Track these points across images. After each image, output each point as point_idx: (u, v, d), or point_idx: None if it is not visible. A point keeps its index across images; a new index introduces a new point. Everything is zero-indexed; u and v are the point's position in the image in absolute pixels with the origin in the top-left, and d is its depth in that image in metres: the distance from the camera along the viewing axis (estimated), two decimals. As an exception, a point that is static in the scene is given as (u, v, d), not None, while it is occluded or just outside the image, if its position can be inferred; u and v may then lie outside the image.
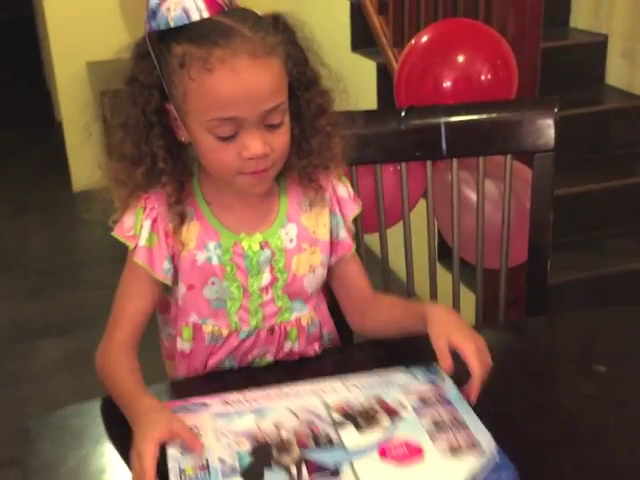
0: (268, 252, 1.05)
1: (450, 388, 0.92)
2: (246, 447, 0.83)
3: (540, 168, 1.31)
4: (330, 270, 1.12)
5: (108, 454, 0.91)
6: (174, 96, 0.96)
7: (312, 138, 1.03)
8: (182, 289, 1.05)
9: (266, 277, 1.05)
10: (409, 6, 2.43)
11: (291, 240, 1.06)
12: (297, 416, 0.88)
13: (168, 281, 1.04)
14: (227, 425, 0.87)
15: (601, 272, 2.34)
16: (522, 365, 1.06)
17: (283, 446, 0.83)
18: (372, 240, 1.46)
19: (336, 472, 0.79)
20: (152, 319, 1.09)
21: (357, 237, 1.24)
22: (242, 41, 0.91)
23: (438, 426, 0.86)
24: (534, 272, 1.36)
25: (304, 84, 1.01)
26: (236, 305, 1.05)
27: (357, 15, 2.83)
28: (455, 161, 1.34)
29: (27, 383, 2.35)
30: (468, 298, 1.56)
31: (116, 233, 1.04)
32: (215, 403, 0.91)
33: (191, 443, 0.83)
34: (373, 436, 0.85)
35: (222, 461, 0.81)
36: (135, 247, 1.02)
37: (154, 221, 1.02)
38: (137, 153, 0.99)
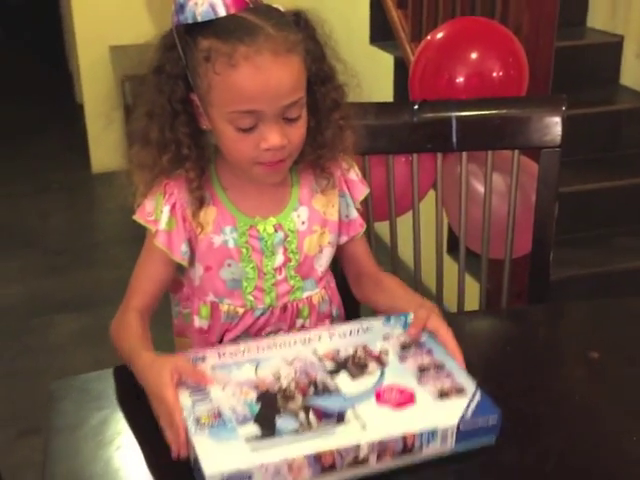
0: (281, 234, 1.10)
1: (426, 336, 0.99)
2: (252, 396, 0.88)
3: (546, 163, 1.36)
4: (340, 248, 1.18)
5: (126, 416, 0.97)
6: (198, 87, 1.00)
7: (326, 131, 1.08)
8: (200, 270, 1.11)
9: (279, 258, 1.11)
10: (428, 1, 2.47)
11: (303, 222, 1.12)
12: (292, 365, 0.94)
13: (185, 263, 1.10)
14: (228, 376, 0.92)
15: (607, 269, 2.38)
16: (520, 349, 1.11)
17: (286, 394, 0.89)
18: (381, 229, 1.52)
19: (341, 418, 0.85)
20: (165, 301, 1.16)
21: (367, 224, 1.30)
22: (265, 39, 0.95)
23: (422, 371, 0.93)
24: (537, 263, 1.41)
25: (321, 79, 1.05)
26: (251, 285, 1.11)
27: (377, 9, 2.87)
28: (465, 154, 1.39)
29: (44, 355, 2.42)
30: (473, 287, 1.62)
31: (137, 217, 1.10)
32: (211, 355, 0.96)
33: (200, 379, 0.89)
34: (366, 382, 0.91)
35: (233, 409, 0.86)
36: (156, 231, 1.08)
37: (173, 206, 1.07)
38: (162, 140, 1.03)
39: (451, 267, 1.58)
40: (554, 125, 1.34)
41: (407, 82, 1.79)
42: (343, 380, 0.92)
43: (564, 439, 0.92)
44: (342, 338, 0.99)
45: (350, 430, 0.84)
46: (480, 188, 1.49)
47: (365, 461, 0.83)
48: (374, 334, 1.00)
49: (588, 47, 2.87)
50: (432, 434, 0.85)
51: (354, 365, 0.94)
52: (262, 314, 1.13)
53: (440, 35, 1.68)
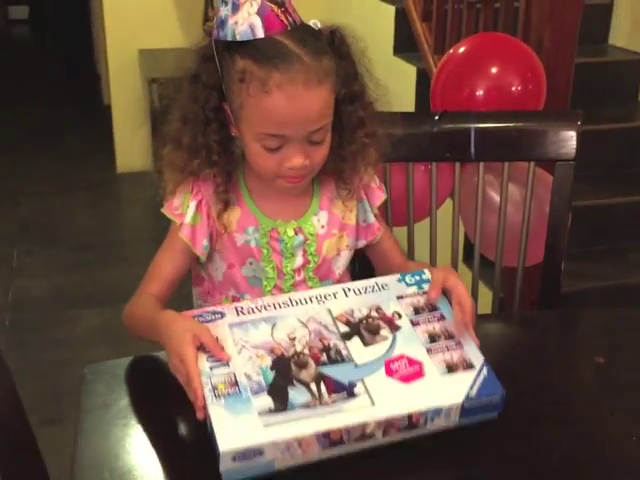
0: (301, 237, 1.16)
1: (440, 299, 1.02)
2: (267, 362, 0.92)
3: (561, 176, 1.41)
4: (368, 248, 1.24)
5: (154, 400, 1.03)
6: (231, 102, 1.06)
7: (349, 146, 1.12)
8: (222, 267, 1.17)
9: (299, 260, 1.16)
10: (452, 15, 2.52)
11: (322, 226, 1.17)
12: (307, 326, 0.97)
13: (204, 257, 1.16)
14: (245, 336, 0.95)
15: (621, 282, 2.41)
16: (529, 351, 1.16)
17: (300, 362, 0.93)
18: (398, 236, 1.56)
19: (351, 392, 0.90)
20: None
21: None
22: (300, 68, 0.99)
23: (433, 339, 0.97)
24: (549, 272, 1.45)
25: (350, 98, 1.10)
26: (271, 284, 1.16)
27: (401, 20, 2.92)
28: (482, 164, 1.44)
29: (68, 348, 2.49)
30: (486, 296, 1.66)
31: (165, 210, 1.16)
32: (229, 311, 0.98)
33: (218, 354, 0.91)
34: (377, 350, 0.95)
35: (248, 377, 0.90)
36: (181, 224, 1.14)
37: (199, 203, 1.13)
38: (194, 145, 1.09)
39: (465, 275, 1.62)
40: (569, 139, 1.39)
41: (429, 93, 1.84)
42: (355, 346, 0.96)
43: (568, 436, 0.96)
44: (357, 295, 1.02)
45: (359, 406, 0.89)
46: (496, 197, 1.53)
47: (372, 436, 0.88)
48: (388, 293, 1.03)
49: (609, 64, 2.90)
50: (437, 411, 0.90)
51: (367, 330, 0.98)
52: None
53: (462, 49, 1.74)
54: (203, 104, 1.07)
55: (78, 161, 4.12)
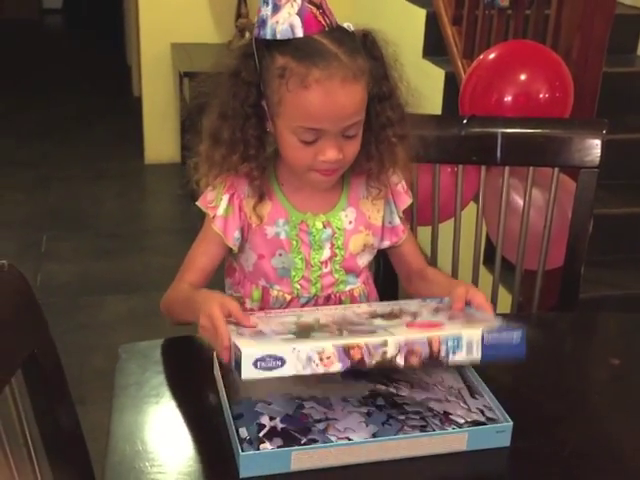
0: (329, 231, 1.20)
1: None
2: (292, 327, 0.97)
3: (584, 183, 1.44)
4: (389, 251, 1.28)
5: (184, 379, 1.09)
6: (269, 97, 1.10)
7: (377, 145, 1.16)
8: (253, 257, 1.21)
9: (326, 252, 1.20)
10: (482, 21, 2.54)
11: (350, 222, 1.21)
12: (332, 317, 1.02)
13: (235, 248, 1.20)
14: (272, 319, 1.01)
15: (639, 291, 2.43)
16: (545, 351, 1.19)
17: (323, 325, 0.98)
18: (421, 237, 1.60)
19: (372, 331, 0.94)
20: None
21: (411, 229, 1.40)
22: (337, 66, 1.04)
23: (452, 318, 1.01)
24: (568, 276, 1.49)
25: (379, 97, 1.13)
26: (299, 274, 1.21)
27: (432, 24, 2.94)
28: (507, 169, 1.47)
29: (93, 332, 2.55)
30: (506, 299, 1.70)
31: (199, 203, 1.21)
32: (258, 313, 1.06)
33: (244, 320, 0.97)
34: (400, 321, 1.00)
35: (274, 331, 0.95)
36: (214, 216, 1.18)
37: (232, 196, 1.18)
38: (233, 139, 1.13)
39: (486, 278, 1.65)
40: (594, 147, 1.42)
41: (456, 97, 1.87)
42: (379, 321, 1.00)
43: (580, 432, 1.00)
44: (380, 307, 1.08)
45: (379, 335, 0.93)
46: (520, 201, 1.56)
47: (393, 363, 0.90)
48: (410, 305, 1.08)
49: (637, 75, 2.91)
50: (457, 341, 0.91)
51: (389, 315, 1.02)
52: (307, 302, 1.22)
53: (492, 56, 1.77)
54: (242, 100, 1.10)
55: (107, 150, 4.18)
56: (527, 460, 0.96)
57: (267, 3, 1.06)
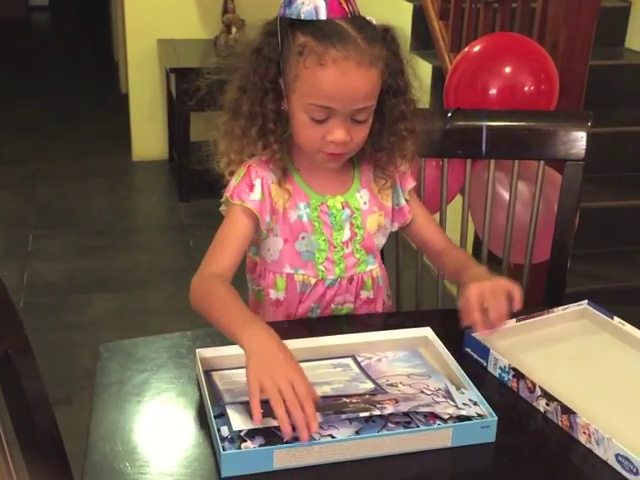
0: (348, 211, 1.23)
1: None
2: None
3: (570, 175, 1.43)
4: (408, 232, 1.33)
5: (166, 378, 1.07)
6: (286, 74, 1.13)
7: (388, 137, 1.20)
8: (279, 244, 1.22)
9: (347, 232, 1.24)
10: (469, 14, 2.54)
11: (365, 203, 1.25)
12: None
13: (265, 233, 1.21)
14: None
15: (627, 284, 2.44)
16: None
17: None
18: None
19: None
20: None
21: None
22: (355, 49, 1.07)
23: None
24: (555, 270, 1.48)
25: (394, 90, 1.17)
26: (322, 256, 1.23)
27: (419, 18, 2.94)
28: (493, 162, 1.47)
29: (80, 331, 2.53)
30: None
31: (227, 194, 1.20)
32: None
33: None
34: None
35: None
36: (240, 204, 1.17)
37: (262, 181, 1.19)
38: (252, 112, 1.16)
39: (474, 270, 1.65)
40: (579, 139, 1.41)
41: (443, 90, 1.87)
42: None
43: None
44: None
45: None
46: (505, 195, 1.56)
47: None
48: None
49: (625, 67, 2.92)
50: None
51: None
52: (331, 284, 1.25)
53: (476, 48, 1.76)
54: (262, 75, 1.14)
55: (94, 147, 4.17)
56: (512, 455, 0.95)
57: None
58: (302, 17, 1.09)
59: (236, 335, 0.98)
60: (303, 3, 1.09)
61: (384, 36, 1.14)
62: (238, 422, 0.90)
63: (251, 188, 1.18)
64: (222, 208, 1.24)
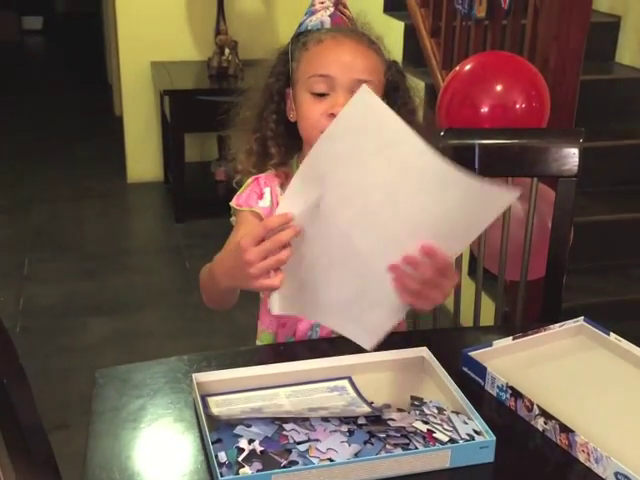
0: None
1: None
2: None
3: (563, 192, 1.44)
4: None
5: (162, 404, 1.06)
6: (294, 72, 1.20)
7: None
8: None
9: None
10: (460, 32, 2.56)
11: None
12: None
13: None
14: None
15: (623, 298, 2.44)
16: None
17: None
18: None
19: None
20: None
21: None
22: (353, 37, 1.18)
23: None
24: (551, 286, 1.47)
25: (397, 106, 1.22)
26: None
27: (410, 36, 2.97)
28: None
29: (76, 355, 2.51)
30: (490, 308, 1.69)
31: (233, 203, 1.24)
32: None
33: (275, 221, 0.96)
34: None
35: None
36: (250, 211, 1.21)
37: (271, 189, 1.23)
38: (267, 127, 1.22)
39: (470, 289, 1.65)
40: (571, 156, 1.42)
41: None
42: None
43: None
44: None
45: None
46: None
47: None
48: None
49: (616, 81, 2.94)
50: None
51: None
52: None
53: (468, 67, 1.77)
54: (271, 86, 1.24)
55: (89, 170, 4.17)
56: (511, 475, 0.95)
57: (306, 13, 1.24)
58: (309, 28, 1.21)
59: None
60: (311, 20, 1.21)
61: (389, 67, 1.22)
62: None
63: (260, 196, 1.22)
64: (233, 219, 1.26)
